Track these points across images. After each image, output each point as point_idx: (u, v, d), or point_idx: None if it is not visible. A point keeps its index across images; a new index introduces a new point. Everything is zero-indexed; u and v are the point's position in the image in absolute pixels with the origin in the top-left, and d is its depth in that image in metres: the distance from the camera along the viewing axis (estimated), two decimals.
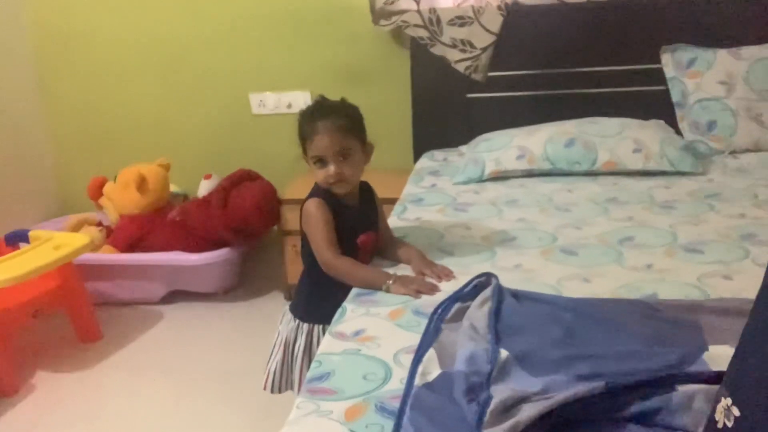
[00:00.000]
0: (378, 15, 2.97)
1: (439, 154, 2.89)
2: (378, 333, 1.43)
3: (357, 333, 1.44)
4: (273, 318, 3.06)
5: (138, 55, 3.35)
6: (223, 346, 2.79)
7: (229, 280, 3.16)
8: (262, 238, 3.16)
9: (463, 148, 2.85)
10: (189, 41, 3.28)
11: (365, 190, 1.80)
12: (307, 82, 3.23)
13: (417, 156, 2.96)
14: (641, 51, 2.83)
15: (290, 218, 2.95)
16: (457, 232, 1.99)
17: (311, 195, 1.72)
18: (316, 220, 1.68)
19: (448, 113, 2.97)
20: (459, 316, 1.43)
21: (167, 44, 3.30)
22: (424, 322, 1.45)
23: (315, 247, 1.69)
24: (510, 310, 1.39)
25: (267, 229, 3.06)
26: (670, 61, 2.78)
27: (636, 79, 2.84)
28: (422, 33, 2.91)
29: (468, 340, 1.30)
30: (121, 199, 3.12)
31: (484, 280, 1.50)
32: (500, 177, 2.49)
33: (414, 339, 1.38)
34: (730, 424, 0.70)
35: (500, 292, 1.44)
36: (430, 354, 1.27)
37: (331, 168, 1.65)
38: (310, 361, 1.75)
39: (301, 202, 1.76)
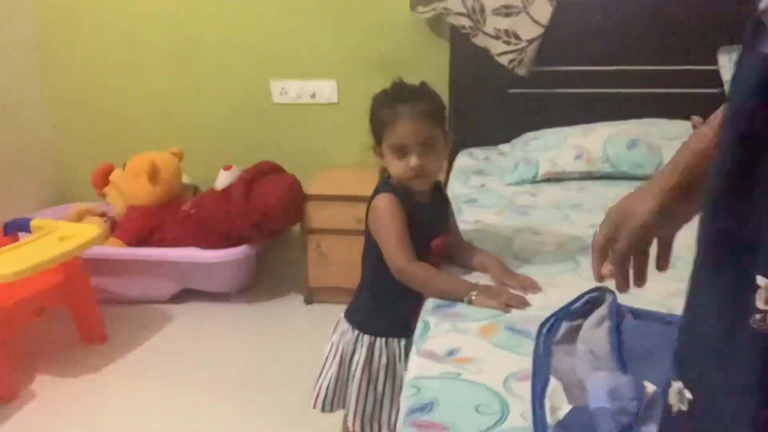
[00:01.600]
0: (416, 1, 2.77)
1: (478, 152, 2.71)
2: (475, 354, 1.23)
3: (450, 353, 1.24)
4: (290, 322, 2.92)
5: (149, 33, 3.11)
6: (237, 350, 2.59)
7: (243, 279, 2.94)
8: (282, 235, 2.94)
9: (505, 147, 2.67)
10: (205, 20, 3.05)
11: (437, 188, 1.60)
12: (334, 71, 3.02)
13: (453, 153, 2.76)
14: (697, 50, 2.66)
15: (315, 215, 2.74)
16: (527, 237, 1.80)
17: (381, 190, 1.52)
18: (389, 218, 1.47)
19: (487, 109, 2.78)
20: (570, 337, 1.24)
21: (181, 23, 3.07)
22: (523, 341, 1.26)
23: (386, 250, 1.48)
24: (631, 332, 1.21)
25: (290, 226, 2.85)
26: (727, 63, 2.61)
27: (690, 80, 2.67)
28: (464, 22, 2.72)
29: (590, 368, 1.11)
30: (131, 189, 2.89)
31: (597, 296, 1.30)
32: (555, 178, 2.31)
33: (519, 362, 1.19)
34: (685, 408, 0.62)
35: (619, 311, 1.25)
36: (553, 384, 1.08)
37: (414, 159, 1.44)
38: (369, 378, 1.56)
39: (370, 197, 1.55)
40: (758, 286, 0.51)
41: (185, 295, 2.91)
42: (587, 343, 1.19)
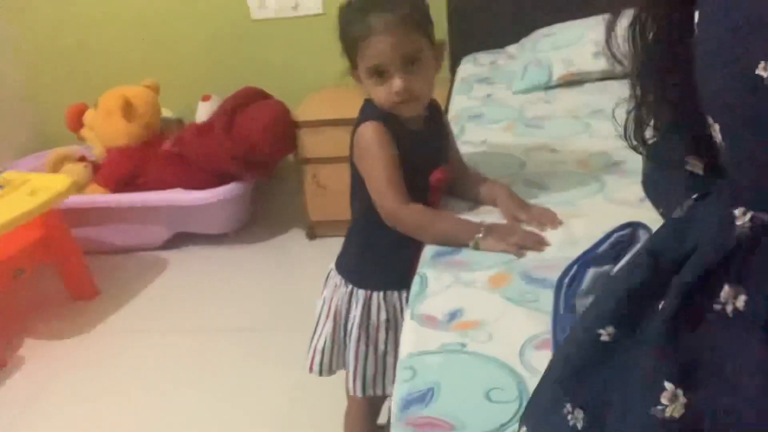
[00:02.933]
0: None
1: (483, 56, 2.40)
2: (483, 314, 1.00)
3: (453, 316, 1.01)
4: (294, 260, 2.72)
5: None
6: (240, 294, 2.41)
7: (240, 218, 2.73)
8: (275, 168, 2.70)
9: (513, 48, 2.36)
10: None
11: (432, 108, 1.33)
12: None
13: (455, 61, 2.46)
14: None
15: (308, 144, 2.49)
16: (542, 157, 1.54)
17: (365, 116, 1.25)
18: (376, 152, 1.22)
19: (491, 4, 2.44)
20: (597, 287, 1.00)
21: None
22: (542, 293, 1.03)
23: (374, 191, 1.24)
24: None
25: (281, 157, 2.60)
26: None
27: None
28: None
29: None
30: (106, 129, 2.65)
31: (628, 233, 1.06)
32: (574, 81, 2.02)
33: (537, 322, 0.97)
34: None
35: None
36: None
37: (397, 81, 1.17)
38: (368, 338, 1.35)
39: (352, 126, 1.29)
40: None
41: (180, 239, 2.72)
42: None
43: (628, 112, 0.73)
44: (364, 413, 1.49)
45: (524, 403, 0.82)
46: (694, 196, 0.64)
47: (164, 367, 2.07)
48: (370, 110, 1.25)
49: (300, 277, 2.47)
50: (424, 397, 0.85)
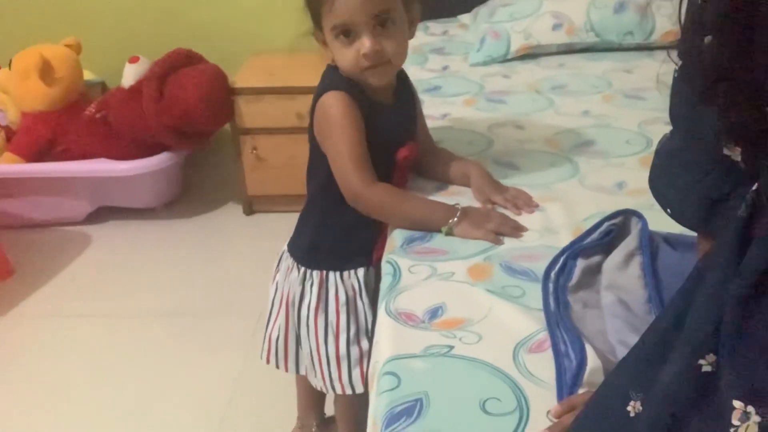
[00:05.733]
0: None
1: (435, 26, 2.28)
2: (467, 311, 0.91)
3: (434, 314, 0.91)
4: (230, 237, 2.54)
5: None
6: (171, 274, 2.24)
7: (170, 192, 2.55)
8: (209, 138, 2.52)
9: (466, 18, 2.26)
10: None
11: (400, 79, 1.21)
12: None
13: None
14: None
15: (246, 113, 2.33)
16: (508, 133, 1.45)
17: (328, 85, 1.13)
18: (340, 126, 1.09)
19: None
20: (589, 280, 0.93)
21: None
22: (528, 286, 0.95)
23: (337, 169, 1.12)
24: (671, 269, 0.90)
25: (217, 127, 2.42)
26: None
27: None
28: None
29: (630, 330, 0.81)
30: (22, 92, 2.40)
31: (620, 221, 0.98)
32: (531, 54, 1.94)
33: (527, 319, 0.89)
34: None
35: (650, 241, 0.93)
36: (593, 364, 0.77)
37: (366, 43, 1.05)
38: (326, 324, 1.24)
39: (314, 95, 1.15)
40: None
41: (104, 213, 2.51)
42: (615, 290, 0.89)
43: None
44: (353, 409, 1.36)
45: (524, 414, 0.74)
46: (754, 187, 0.56)
47: (86, 355, 1.90)
48: (333, 78, 1.13)
49: (237, 256, 2.33)
50: (412, 410, 0.75)
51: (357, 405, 1.32)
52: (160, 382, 1.79)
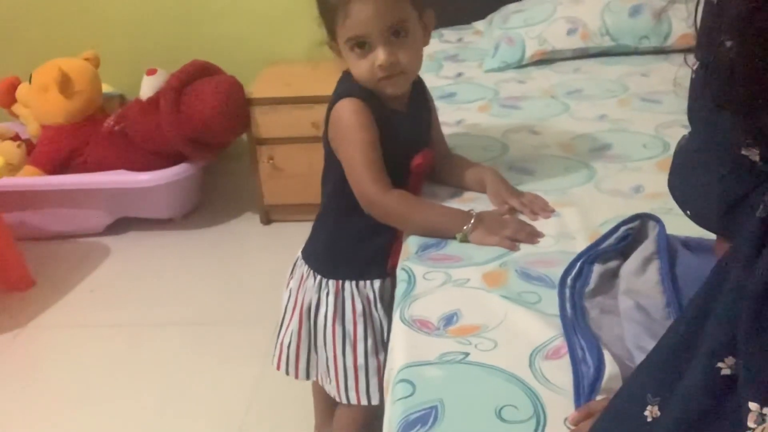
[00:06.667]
0: None
1: (449, 33, 2.29)
2: (482, 318, 0.90)
3: (449, 320, 0.91)
4: (247, 247, 2.54)
5: None
6: (189, 284, 2.26)
7: (188, 202, 2.57)
8: (226, 149, 2.54)
9: (480, 25, 2.26)
10: None
11: (415, 86, 1.21)
12: None
13: None
14: None
15: (262, 123, 2.34)
16: (523, 139, 1.45)
17: (343, 93, 1.13)
18: (355, 133, 1.09)
19: None
20: (606, 285, 0.91)
21: None
22: (545, 292, 0.94)
23: (353, 177, 1.12)
24: (691, 275, 0.88)
25: (233, 138, 2.44)
26: None
27: None
28: None
29: (648, 336, 0.80)
30: (42, 105, 2.44)
31: (637, 225, 0.97)
32: (545, 60, 1.93)
33: (544, 326, 0.87)
34: None
35: (669, 245, 0.92)
36: (608, 364, 0.76)
37: (381, 55, 1.05)
38: (344, 334, 1.24)
39: (329, 103, 1.16)
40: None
41: (123, 224, 2.54)
42: (633, 295, 0.88)
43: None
44: (356, 423, 1.35)
45: (541, 422, 0.73)
46: None
47: (105, 365, 1.91)
48: (347, 85, 1.13)
49: (254, 266, 2.33)
50: (427, 418, 0.74)
51: (360, 422, 1.32)
52: (179, 391, 1.80)
